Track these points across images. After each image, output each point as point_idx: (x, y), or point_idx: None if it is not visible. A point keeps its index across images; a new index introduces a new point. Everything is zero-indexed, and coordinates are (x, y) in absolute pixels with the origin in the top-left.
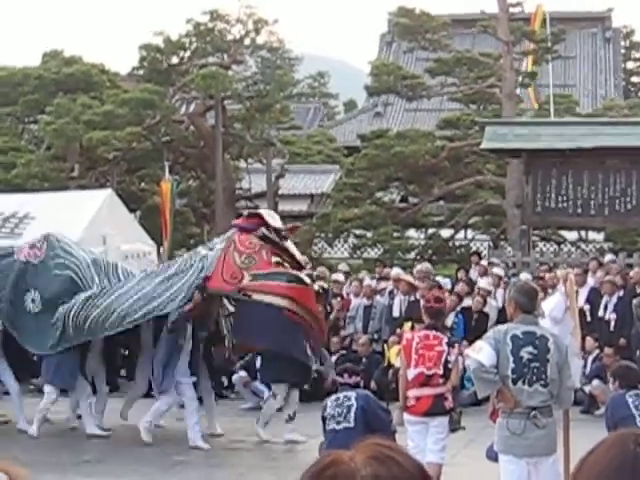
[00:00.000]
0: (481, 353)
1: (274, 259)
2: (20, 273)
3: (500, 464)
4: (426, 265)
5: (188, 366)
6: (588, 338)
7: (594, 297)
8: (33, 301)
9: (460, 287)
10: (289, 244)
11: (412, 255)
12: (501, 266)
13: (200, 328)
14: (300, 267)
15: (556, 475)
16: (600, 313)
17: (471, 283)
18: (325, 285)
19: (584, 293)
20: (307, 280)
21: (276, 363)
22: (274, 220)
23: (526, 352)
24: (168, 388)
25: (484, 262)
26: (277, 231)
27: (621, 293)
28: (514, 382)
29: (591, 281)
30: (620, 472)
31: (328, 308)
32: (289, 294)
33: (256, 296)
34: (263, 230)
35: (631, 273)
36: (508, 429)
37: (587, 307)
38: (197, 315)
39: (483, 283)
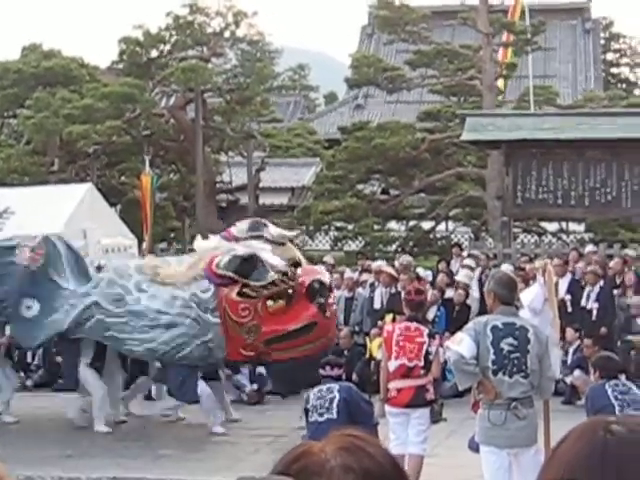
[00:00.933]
0: (461, 345)
1: (268, 305)
2: (20, 279)
3: (481, 455)
4: (407, 258)
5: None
6: (569, 329)
7: (575, 288)
8: (29, 308)
9: (440, 278)
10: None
11: (393, 247)
12: (478, 256)
13: None
14: (289, 286)
15: (537, 466)
16: (583, 303)
17: (451, 275)
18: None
19: (565, 284)
20: (314, 318)
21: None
22: (250, 270)
23: (506, 343)
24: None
25: (465, 254)
26: (259, 286)
27: (602, 283)
28: (494, 373)
29: (571, 272)
30: (589, 460)
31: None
32: (308, 341)
33: (275, 355)
34: (246, 291)
35: (611, 263)
36: (489, 420)
37: (568, 297)
38: None
39: (461, 276)
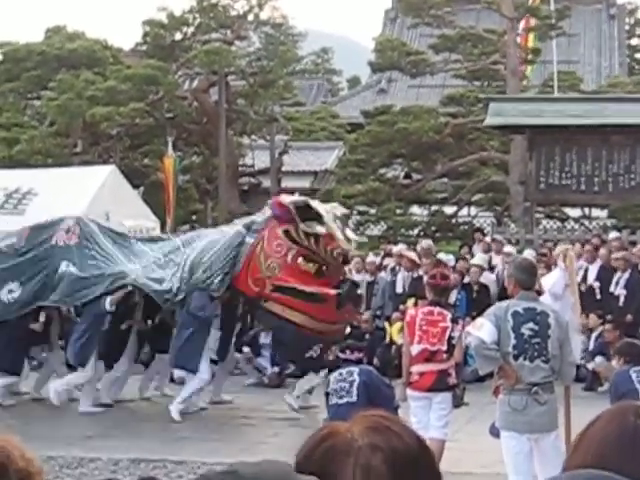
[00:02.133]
0: (482, 330)
1: (299, 261)
2: (59, 254)
3: (502, 440)
4: (428, 242)
5: (218, 351)
6: (592, 315)
7: (604, 274)
8: (68, 266)
9: (460, 264)
10: (320, 240)
11: (415, 232)
12: (501, 241)
13: (229, 314)
14: (329, 263)
15: (557, 451)
16: (611, 289)
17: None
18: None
19: (594, 270)
20: (327, 293)
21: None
22: (306, 214)
23: (527, 328)
24: (195, 368)
25: (488, 239)
26: (305, 233)
27: (630, 270)
28: (515, 358)
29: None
30: (620, 444)
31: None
32: (306, 311)
33: (275, 308)
34: (291, 230)
35: (634, 250)
36: (509, 405)
37: (597, 284)
38: (225, 301)
39: (476, 260)
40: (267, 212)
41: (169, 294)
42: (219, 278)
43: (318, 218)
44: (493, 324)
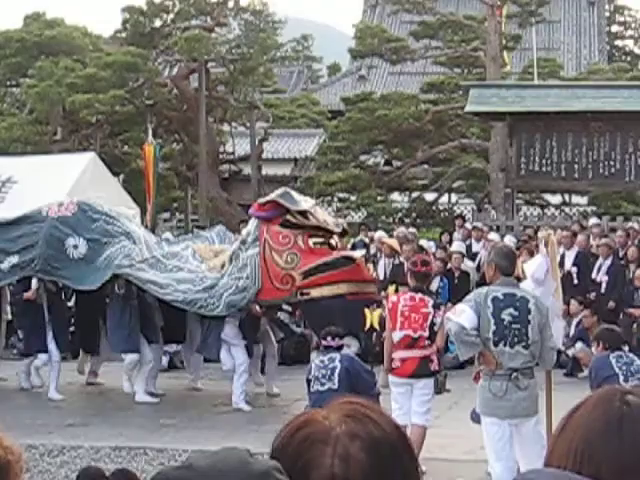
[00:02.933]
0: (462, 316)
1: (312, 241)
2: (53, 227)
3: (482, 426)
4: (403, 229)
5: (239, 329)
6: (573, 301)
7: (581, 260)
8: (75, 247)
9: (439, 252)
10: (316, 215)
11: (396, 219)
12: (481, 228)
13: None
14: (332, 233)
15: (538, 436)
16: (593, 275)
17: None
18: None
19: (572, 256)
20: (353, 255)
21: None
22: (292, 201)
23: (507, 314)
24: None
25: (468, 225)
26: (299, 212)
27: (612, 257)
28: (495, 344)
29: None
30: (606, 430)
31: None
32: (345, 278)
33: (315, 292)
34: (287, 217)
35: (616, 236)
36: (490, 391)
37: (574, 270)
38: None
39: (455, 246)
40: (252, 224)
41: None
42: (236, 300)
43: (298, 201)
44: (473, 310)
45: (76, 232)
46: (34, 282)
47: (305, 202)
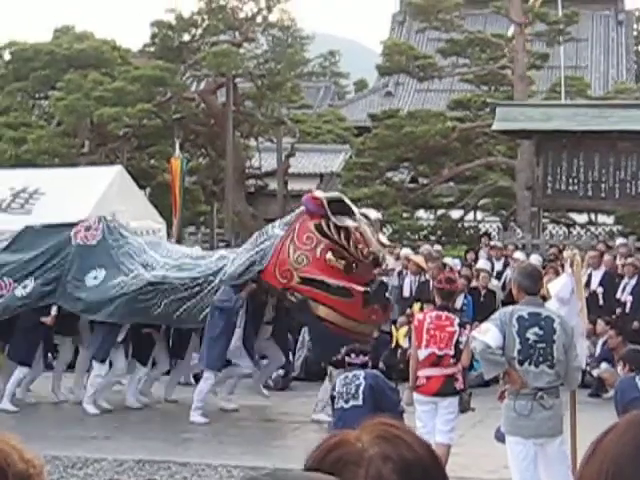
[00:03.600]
0: (487, 334)
1: (328, 256)
2: (78, 257)
3: (507, 445)
4: (427, 247)
5: (243, 347)
6: (599, 321)
7: (607, 280)
8: (95, 278)
9: (464, 270)
10: (355, 235)
11: (422, 235)
12: (500, 248)
13: (256, 313)
14: (358, 260)
15: (563, 456)
16: (618, 295)
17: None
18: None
19: (598, 276)
20: (354, 289)
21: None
22: (341, 209)
23: (532, 333)
24: (212, 367)
25: (493, 242)
26: (336, 227)
27: (637, 277)
28: (520, 363)
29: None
30: (637, 455)
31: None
32: (332, 305)
33: (311, 304)
34: (322, 224)
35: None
36: (515, 410)
37: (600, 290)
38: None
39: (481, 264)
40: (298, 210)
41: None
42: (239, 269)
43: (350, 214)
44: (498, 329)
45: (98, 264)
46: (54, 308)
47: (354, 218)
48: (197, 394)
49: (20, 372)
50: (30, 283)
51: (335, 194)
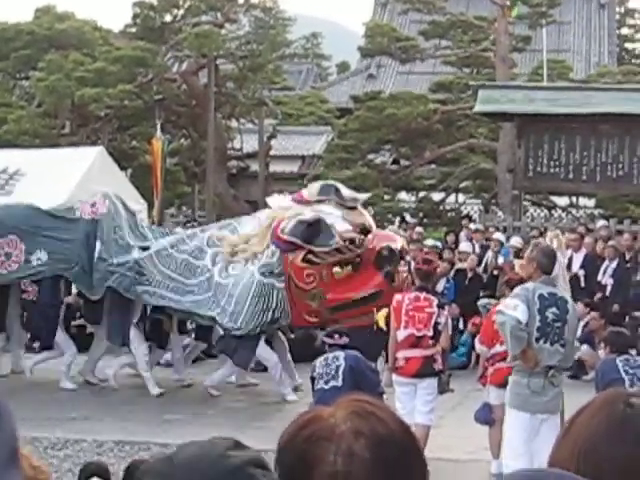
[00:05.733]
0: (518, 310)
1: (334, 272)
2: (88, 233)
3: (512, 420)
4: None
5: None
6: (579, 303)
7: (588, 262)
8: (100, 252)
9: (446, 253)
10: (344, 234)
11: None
12: (483, 231)
13: None
14: (356, 253)
15: (558, 430)
16: (599, 277)
17: (456, 247)
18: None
19: (579, 258)
20: (380, 286)
21: None
22: (320, 235)
23: (551, 312)
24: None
25: (472, 226)
26: (323, 252)
27: (618, 260)
28: (537, 340)
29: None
30: (609, 432)
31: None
32: (372, 310)
33: (344, 322)
34: (309, 257)
35: (623, 239)
36: (529, 388)
37: (582, 272)
38: None
39: (463, 246)
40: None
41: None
42: (250, 325)
43: (322, 225)
44: (525, 305)
45: (101, 239)
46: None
47: (320, 205)
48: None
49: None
50: (44, 255)
51: (294, 221)
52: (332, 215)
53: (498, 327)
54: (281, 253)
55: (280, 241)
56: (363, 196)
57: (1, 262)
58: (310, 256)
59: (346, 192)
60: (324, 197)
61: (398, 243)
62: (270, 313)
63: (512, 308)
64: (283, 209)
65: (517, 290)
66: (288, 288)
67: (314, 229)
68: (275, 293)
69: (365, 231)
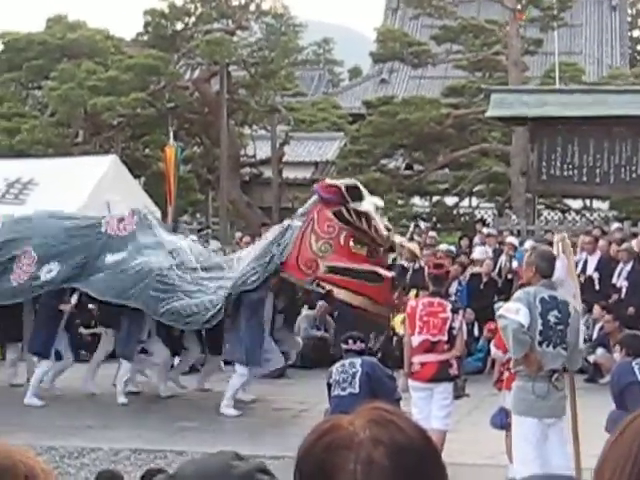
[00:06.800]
0: (520, 314)
1: (351, 244)
2: (104, 246)
3: (519, 426)
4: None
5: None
6: (596, 306)
7: (603, 265)
8: (116, 263)
9: (462, 258)
10: (372, 222)
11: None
12: (495, 235)
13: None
14: (379, 245)
15: (564, 434)
16: (614, 280)
17: (470, 253)
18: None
19: (594, 261)
20: (384, 274)
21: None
22: (356, 197)
23: (553, 316)
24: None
25: (488, 230)
26: (357, 213)
27: (633, 262)
28: (539, 344)
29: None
30: None
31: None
32: (366, 293)
33: (333, 289)
34: (342, 210)
35: (634, 242)
36: (534, 392)
37: (596, 275)
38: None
39: (477, 254)
40: (311, 199)
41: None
42: (255, 276)
43: (363, 199)
44: (527, 308)
45: (118, 249)
46: (74, 297)
47: (369, 204)
48: (230, 388)
49: (43, 366)
50: (55, 267)
51: (350, 181)
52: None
53: (500, 331)
54: (315, 200)
55: (323, 188)
56: (381, 203)
57: (18, 275)
58: (343, 210)
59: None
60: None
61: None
62: (274, 247)
63: (514, 312)
64: None
65: (518, 294)
66: (303, 229)
67: (356, 192)
68: (289, 232)
69: (391, 247)
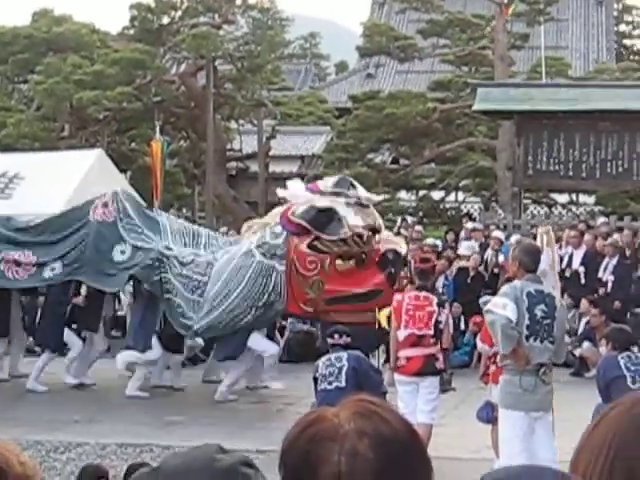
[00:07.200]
0: (507, 309)
1: (337, 263)
2: (99, 234)
3: (506, 420)
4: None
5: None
6: (583, 300)
7: (589, 259)
8: (122, 252)
9: (448, 252)
10: (351, 227)
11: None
12: (481, 229)
13: None
14: (361, 245)
15: (551, 427)
16: (600, 274)
17: (456, 247)
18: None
19: (580, 255)
20: (380, 283)
21: None
22: (328, 224)
23: (539, 310)
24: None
25: (474, 225)
26: (331, 241)
27: (618, 256)
28: (527, 339)
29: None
30: None
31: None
32: (371, 308)
33: (337, 317)
34: (316, 244)
35: (615, 236)
36: (521, 386)
37: (582, 269)
38: None
39: (463, 249)
40: (282, 235)
41: (189, 320)
42: (248, 317)
43: (333, 214)
44: (514, 303)
45: (122, 239)
46: (83, 288)
47: (333, 198)
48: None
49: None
50: (58, 265)
51: (305, 207)
52: (345, 208)
53: (488, 326)
54: (287, 236)
55: (289, 223)
56: (378, 198)
57: (7, 268)
58: (316, 243)
59: (362, 191)
60: (339, 190)
61: (404, 249)
62: (266, 296)
63: (501, 307)
64: (295, 197)
65: (505, 288)
66: (289, 273)
67: (325, 217)
68: (274, 275)
69: (374, 231)
